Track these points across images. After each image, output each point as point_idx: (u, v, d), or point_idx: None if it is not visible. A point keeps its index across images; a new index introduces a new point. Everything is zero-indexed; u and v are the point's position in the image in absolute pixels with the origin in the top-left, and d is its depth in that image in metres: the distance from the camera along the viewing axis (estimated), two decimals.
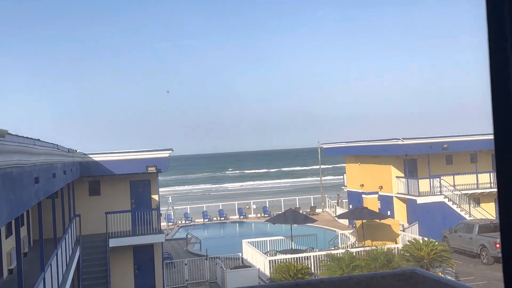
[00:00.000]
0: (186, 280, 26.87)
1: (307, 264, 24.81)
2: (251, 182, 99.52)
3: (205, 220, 47.36)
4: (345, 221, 37.23)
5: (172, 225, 45.37)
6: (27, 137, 8.90)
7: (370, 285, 3.11)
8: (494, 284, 21.53)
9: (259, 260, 26.64)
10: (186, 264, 27.61)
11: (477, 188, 33.34)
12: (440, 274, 19.90)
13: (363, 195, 36.01)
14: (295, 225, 29.96)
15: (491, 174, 33.41)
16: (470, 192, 33.05)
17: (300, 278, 20.87)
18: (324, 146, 44.89)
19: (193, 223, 46.35)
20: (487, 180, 33.36)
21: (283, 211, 35.54)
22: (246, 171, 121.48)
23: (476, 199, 33.18)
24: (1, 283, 16.29)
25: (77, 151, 21.64)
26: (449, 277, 18.51)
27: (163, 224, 37.73)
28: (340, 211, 40.94)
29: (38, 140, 10.23)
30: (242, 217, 47.90)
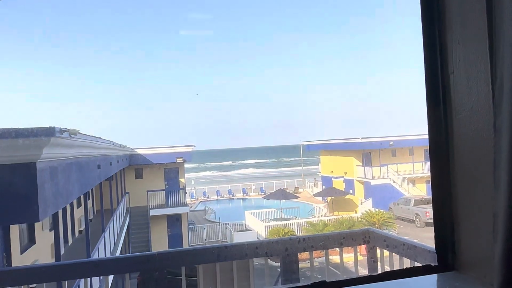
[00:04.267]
0: (205, 239, 26.92)
1: (292, 228, 24.86)
2: (252, 170, 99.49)
3: (218, 197, 47.39)
4: (319, 198, 37.24)
5: (194, 200, 45.38)
6: (92, 136, 8.94)
7: (337, 238, 3.16)
8: (425, 241, 21.43)
9: (257, 225, 26.69)
10: (204, 228, 27.69)
11: (413, 173, 33.40)
12: None
13: (332, 179, 36.14)
14: (283, 200, 30.03)
15: (423, 163, 33.60)
16: (408, 176, 33.10)
17: None
18: (305, 144, 44.88)
19: (209, 199, 46.39)
20: (420, 168, 33.52)
21: (274, 190, 35.60)
22: (248, 161, 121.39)
23: (412, 181, 33.22)
24: (74, 240, 16.34)
25: (126, 146, 21.68)
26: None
27: (188, 199, 37.69)
28: (316, 190, 40.97)
29: (100, 138, 10.27)
30: (245, 195, 47.94)
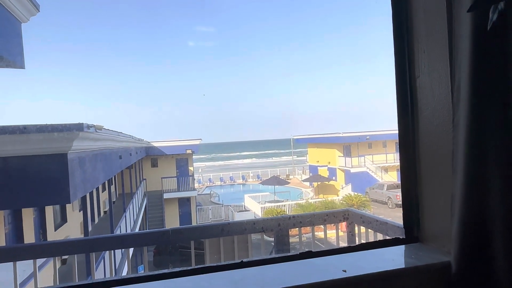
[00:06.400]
0: (210, 218, 26.94)
1: (284, 209, 24.93)
2: (250, 160, 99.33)
3: (221, 182, 47.35)
4: (307, 183, 37.32)
5: (201, 185, 45.33)
6: (114, 130, 8.90)
7: (321, 216, 3.18)
8: (395, 219, 21.54)
9: (255, 207, 26.75)
10: (210, 209, 27.67)
11: (386, 162, 33.46)
12: None
13: (318, 167, 36.17)
14: (276, 185, 30.08)
15: (394, 154, 33.62)
16: (381, 165, 33.17)
17: None
18: (295, 138, 44.82)
19: (214, 184, 46.37)
20: (392, 158, 33.57)
21: (269, 177, 35.64)
22: (246, 153, 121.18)
23: (385, 169, 33.29)
24: (100, 219, 16.34)
25: (144, 139, 21.61)
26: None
27: (196, 185, 37.65)
28: (304, 177, 41.04)
29: (121, 132, 10.23)
30: (244, 181, 47.91)
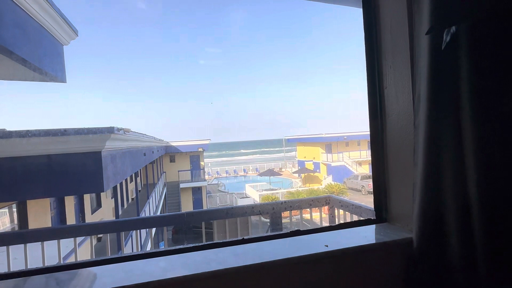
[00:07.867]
0: (218, 204, 26.88)
1: (277, 196, 24.93)
2: (250, 156, 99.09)
3: (227, 174, 47.23)
4: (296, 175, 37.30)
5: (210, 177, 45.22)
6: (139, 133, 8.88)
7: (308, 202, 3.17)
8: (367, 203, 21.57)
9: (254, 194, 26.72)
10: (217, 196, 27.60)
11: (360, 158, 33.41)
12: None
13: (305, 162, 36.11)
14: (271, 177, 30.07)
15: (367, 151, 33.58)
16: (356, 160, 33.16)
17: None
18: (286, 138, 44.82)
19: (221, 176, 46.26)
20: (365, 154, 33.54)
21: (265, 170, 35.59)
22: (247, 150, 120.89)
23: (359, 163, 33.30)
24: (128, 205, 16.28)
25: (163, 140, 21.56)
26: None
27: (206, 176, 37.57)
28: (294, 170, 41.00)
29: (145, 134, 10.19)
30: (245, 173, 47.82)
